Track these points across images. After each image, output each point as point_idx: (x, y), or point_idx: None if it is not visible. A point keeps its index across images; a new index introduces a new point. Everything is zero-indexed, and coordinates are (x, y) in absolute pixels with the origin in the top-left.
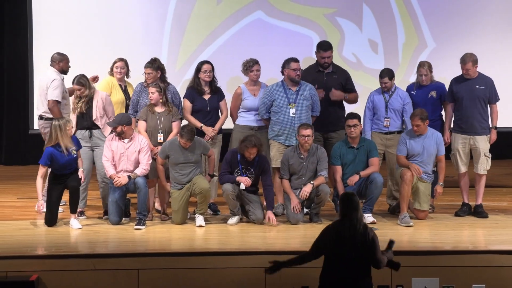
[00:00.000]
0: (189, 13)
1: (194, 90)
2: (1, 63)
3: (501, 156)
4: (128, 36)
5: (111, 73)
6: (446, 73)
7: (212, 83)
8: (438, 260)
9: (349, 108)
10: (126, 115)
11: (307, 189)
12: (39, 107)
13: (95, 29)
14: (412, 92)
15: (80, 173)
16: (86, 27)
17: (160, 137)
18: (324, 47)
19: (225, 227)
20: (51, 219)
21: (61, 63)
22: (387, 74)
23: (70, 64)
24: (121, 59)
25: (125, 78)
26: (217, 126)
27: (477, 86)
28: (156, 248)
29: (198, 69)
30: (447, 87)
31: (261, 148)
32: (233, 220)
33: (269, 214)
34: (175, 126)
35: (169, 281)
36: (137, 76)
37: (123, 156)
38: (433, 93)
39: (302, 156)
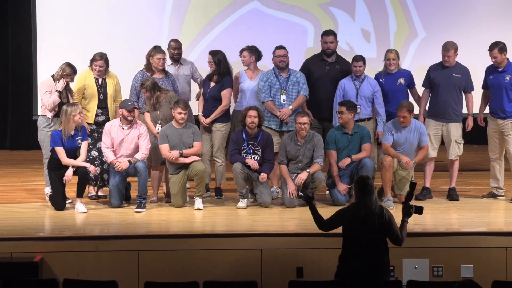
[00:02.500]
0: (188, 3)
1: (207, 76)
2: (5, 50)
3: None
4: (128, 26)
5: (91, 67)
6: (436, 61)
7: (218, 72)
8: (428, 241)
9: None
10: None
11: (303, 176)
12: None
13: (95, 20)
14: (380, 80)
15: (89, 166)
16: (87, 17)
17: (158, 127)
18: (326, 32)
19: (224, 210)
20: (59, 203)
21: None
22: (361, 58)
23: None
24: (101, 57)
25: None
26: (209, 118)
27: (454, 74)
28: (155, 230)
29: None
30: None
31: (262, 114)
32: (242, 203)
33: (263, 174)
34: (173, 113)
35: (168, 262)
36: (137, 65)
37: (123, 143)
38: (401, 80)
39: (299, 143)
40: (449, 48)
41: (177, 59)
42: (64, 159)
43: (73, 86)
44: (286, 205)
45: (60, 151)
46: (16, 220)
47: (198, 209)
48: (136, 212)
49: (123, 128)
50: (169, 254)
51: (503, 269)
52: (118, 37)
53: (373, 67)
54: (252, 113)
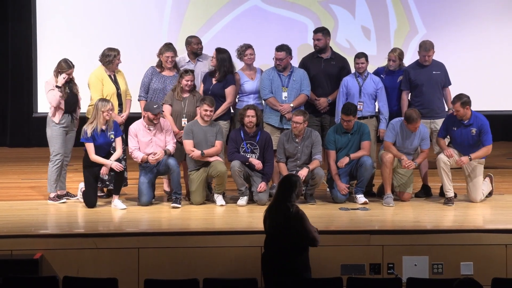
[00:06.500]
0: (188, 0)
1: (208, 73)
2: (5, 47)
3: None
4: (128, 23)
5: (110, 66)
6: (435, 58)
7: (221, 69)
8: (428, 239)
9: None
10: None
11: (303, 172)
12: None
13: (95, 17)
14: (381, 75)
15: (114, 166)
16: (87, 14)
17: (184, 121)
18: (315, 29)
19: (223, 207)
20: (91, 200)
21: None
22: (364, 55)
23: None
24: (118, 51)
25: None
26: (213, 116)
27: (434, 72)
28: (155, 228)
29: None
30: None
31: (260, 113)
32: (242, 201)
33: (262, 183)
34: (199, 111)
35: (168, 259)
36: (137, 61)
37: (151, 142)
38: (401, 78)
39: (296, 140)
40: (429, 48)
41: (200, 54)
42: (91, 155)
43: (90, 84)
44: None
45: (89, 147)
46: (16, 218)
47: (221, 205)
48: (173, 207)
49: (149, 130)
50: (169, 251)
51: (503, 267)
52: (118, 33)
53: (373, 64)
54: (250, 112)
